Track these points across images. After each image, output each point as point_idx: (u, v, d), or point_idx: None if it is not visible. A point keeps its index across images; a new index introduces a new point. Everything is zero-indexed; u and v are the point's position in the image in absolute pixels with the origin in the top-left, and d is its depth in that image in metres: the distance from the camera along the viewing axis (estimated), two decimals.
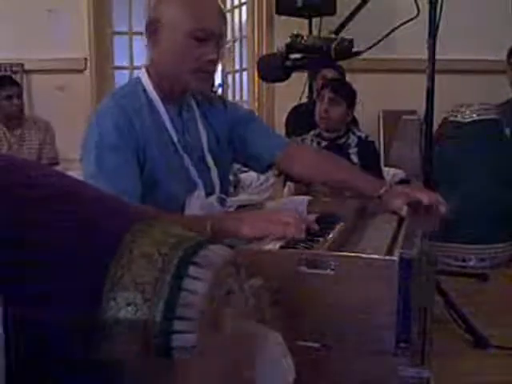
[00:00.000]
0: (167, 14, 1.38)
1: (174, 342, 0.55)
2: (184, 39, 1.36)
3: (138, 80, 1.46)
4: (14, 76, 4.05)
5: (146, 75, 1.45)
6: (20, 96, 3.57)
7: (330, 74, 3.21)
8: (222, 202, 1.51)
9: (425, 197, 1.38)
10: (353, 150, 2.60)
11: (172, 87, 1.44)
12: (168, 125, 1.43)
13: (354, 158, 2.58)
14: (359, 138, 2.64)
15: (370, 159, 2.60)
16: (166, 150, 1.42)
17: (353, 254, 1.00)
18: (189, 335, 0.55)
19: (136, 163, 1.36)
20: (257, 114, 4.29)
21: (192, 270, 0.57)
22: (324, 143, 2.65)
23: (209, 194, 1.48)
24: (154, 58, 1.44)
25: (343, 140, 2.63)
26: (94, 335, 0.55)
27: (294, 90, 3.45)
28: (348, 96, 2.63)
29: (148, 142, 1.38)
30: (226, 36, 1.44)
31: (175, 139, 1.43)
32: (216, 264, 0.59)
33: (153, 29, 1.40)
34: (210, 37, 1.37)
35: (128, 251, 0.57)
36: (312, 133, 2.71)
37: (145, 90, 1.44)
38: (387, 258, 0.97)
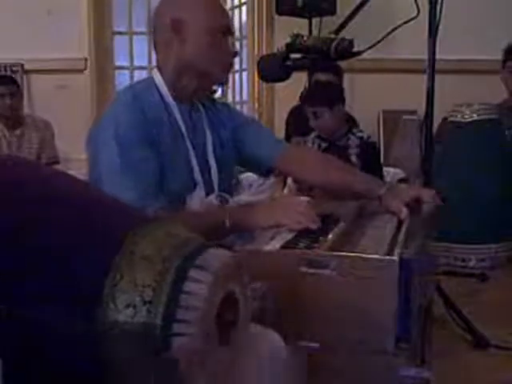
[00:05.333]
0: (192, 13, 1.42)
1: (175, 345, 0.54)
2: (213, 35, 1.42)
3: (151, 80, 1.49)
4: (13, 76, 4.04)
5: (158, 75, 1.48)
6: (14, 96, 3.55)
7: (323, 77, 3.18)
8: (222, 200, 1.52)
9: (424, 195, 1.39)
10: (353, 151, 2.59)
11: (188, 85, 1.47)
12: (180, 123, 1.46)
13: (355, 159, 2.57)
14: (360, 138, 2.63)
15: (370, 161, 2.59)
16: (176, 147, 1.44)
17: (353, 254, 1.00)
18: (189, 338, 0.55)
19: (154, 157, 1.37)
20: (257, 114, 4.30)
21: (193, 272, 0.57)
22: (324, 145, 2.64)
23: (208, 193, 1.49)
24: (174, 55, 1.45)
25: (344, 141, 2.63)
26: (93, 337, 0.55)
27: (293, 90, 3.45)
28: (330, 100, 2.59)
29: (160, 137, 1.40)
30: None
31: (186, 135, 1.46)
32: (217, 267, 0.58)
33: (176, 27, 1.41)
34: (229, 32, 1.46)
35: (129, 253, 0.57)
36: (312, 135, 2.71)
37: (158, 89, 1.46)
38: (387, 257, 0.97)
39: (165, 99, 1.46)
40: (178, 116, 1.46)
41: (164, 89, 1.46)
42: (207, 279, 0.57)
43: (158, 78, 1.47)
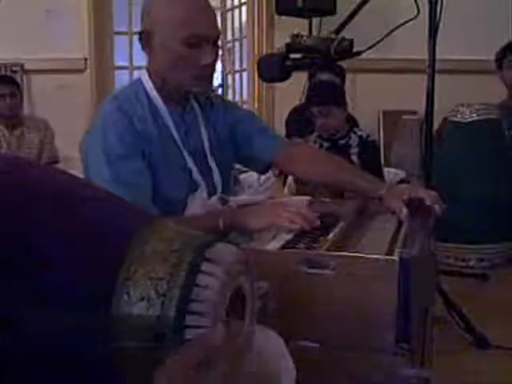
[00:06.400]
0: (158, 25, 1.37)
1: (187, 337, 0.55)
2: (178, 47, 1.36)
3: (140, 82, 1.46)
4: (13, 76, 4.04)
5: (147, 77, 1.45)
6: (14, 96, 3.54)
7: (324, 76, 3.18)
8: (223, 202, 1.52)
9: (425, 196, 1.39)
10: (354, 151, 2.60)
11: (174, 91, 1.44)
12: (171, 126, 1.43)
13: (355, 159, 2.57)
14: (360, 137, 2.63)
15: (370, 159, 2.59)
16: (169, 151, 1.42)
17: (353, 254, 1.00)
18: (202, 330, 0.55)
19: (146, 167, 1.36)
20: (257, 114, 4.30)
21: (205, 265, 0.58)
22: (326, 144, 2.64)
23: (210, 194, 1.48)
24: (153, 66, 1.44)
25: (345, 141, 2.63)
26: (107, 331, 0.55)
27: (294, 90, 3.45)
28: (336, 99, 2.60)
29: (151, 144, 1.38)
30: (220, 38, 1.43)
31: (178, 140, 1.44)
32: (228, 261, 0.59)
33: (146, 39, 1.40)
34: (203, 41, 1.37)
35: (140, 249, 0.58)
36: (314, 135, 2.71)
37: (146, 92, 1.44)
38: (387, 257, 0.97)
39: (154, 103, 1.43)
40: (169, 121, 1.43)
41: (153, 92, 1.43)
42: (219, 273, 0.57)
43: (146, 81, 1.45)
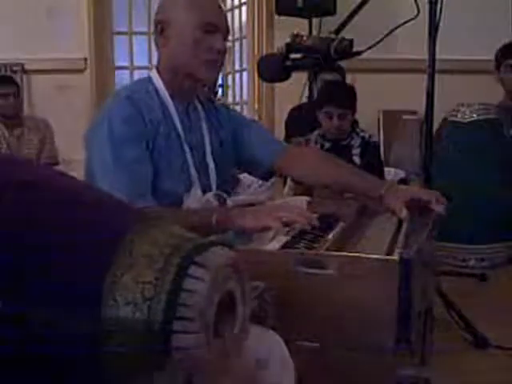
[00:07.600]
0: (174, 13, 1.43)
1: (174, 342, 0.55)
2: (193, 32, 1.41)
3: (149, 79, 1.50)
4: (14, 76, 4.04)
5: (156, 74, 1.49)
6: (16, 96, 3.55)
7: (329, 76, 3.19)
8: (219, 199, 1.52)
9: (425, 194, 1.39)
10: (356, 151, 2.60)
11: (182, 84, 1.48)
12: (177, 122, 1.47)
13: (357, 159, 2.57)
14: (363, 138, 2.63)
15: (372, 160, 2.59)
16: (172, 145, 1.45)
17: (353, 254, 1.00)
18: (189, 335, 0.55)
19: (148, 152, 1.39)
20: (257, 114, 4.30)
21: (193, 270, 0.57)
22: (328, 144, 2.64)
23: (205, 192, 1.49)
24: (165, 55, 1.49)
25: (347, 141, 2.62)
26: (94, 335, 0.55)
27: (294, 90, 3.45)
28: (352, 103, 2.61)
29: (155, 135, 1.41)
30: (228, 36, 1.49)
31: (181, 135, 1.46)
32: (217, 265, 0.59)
33: (161, 28, 1.45)
34: (216, 29, 1.43)
35: (128, 251, 0.57)
36: (316, 133, 2.70)
37: (155, 89, 1.47)
38: (387, 257, 0.97)
39: (162, 98, 1.47)
40: (175, 115, 1.46)
41: (162, 88, 1.47)
42: (207, 277, 0.57)
43: (156, 77, 1.49)
